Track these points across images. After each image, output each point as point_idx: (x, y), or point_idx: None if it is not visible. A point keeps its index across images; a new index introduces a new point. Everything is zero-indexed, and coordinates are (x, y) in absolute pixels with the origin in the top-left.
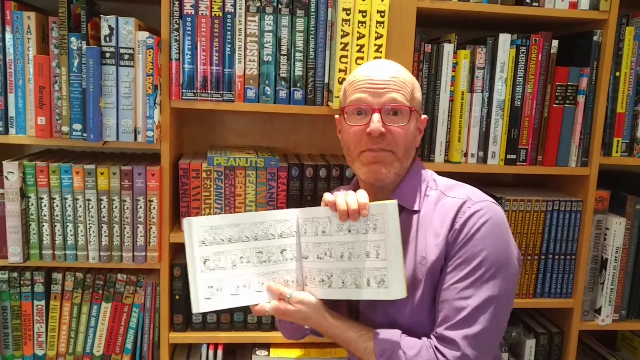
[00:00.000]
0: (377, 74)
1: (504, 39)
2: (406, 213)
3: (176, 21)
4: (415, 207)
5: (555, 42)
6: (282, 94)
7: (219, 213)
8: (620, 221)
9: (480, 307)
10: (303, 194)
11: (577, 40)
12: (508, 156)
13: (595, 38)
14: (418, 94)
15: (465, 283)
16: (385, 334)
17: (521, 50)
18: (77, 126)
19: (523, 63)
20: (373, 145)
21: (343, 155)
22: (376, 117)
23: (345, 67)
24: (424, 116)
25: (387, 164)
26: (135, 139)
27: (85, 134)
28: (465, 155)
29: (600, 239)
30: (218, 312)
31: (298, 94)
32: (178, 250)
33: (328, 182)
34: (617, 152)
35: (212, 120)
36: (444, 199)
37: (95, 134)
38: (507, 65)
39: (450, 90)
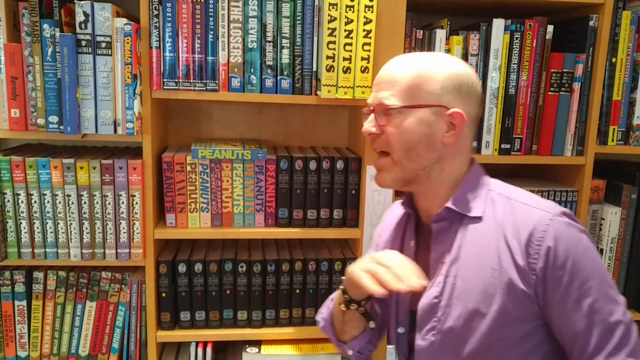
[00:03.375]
0: (381, 71)
1: (498, 24)
2: (466, 221)
3: (155, 7)
4: (477, 213)
5: (550, 28)
6: (269, 82)
7: (206, 208)
8: (616, 211)
9: (617, 322)
10: (293, 187)
11: (573, 26)
12: (502, 146)
13: (591, 23)
14: (430, 87)
15: (590, 307)
16: None
17: (515, 36)
18: (53, 118)
19: (517, 49)
20: (373, 148)
21: (335, 147)
22: (370, 117)
23: (333, 54)
24: (454, 109)
25: (385, 170)
26: (115, 131)
27: (62, 127)
28: None
29: (596, 229)
30: (207, 310)
31: (285, 83)
32: (163, 247)
33: (318, 175)
34: (613, 140)
35: (197, 112)
36: (516, 206)
37: (73, 126)
38: (501, 52)
39: None
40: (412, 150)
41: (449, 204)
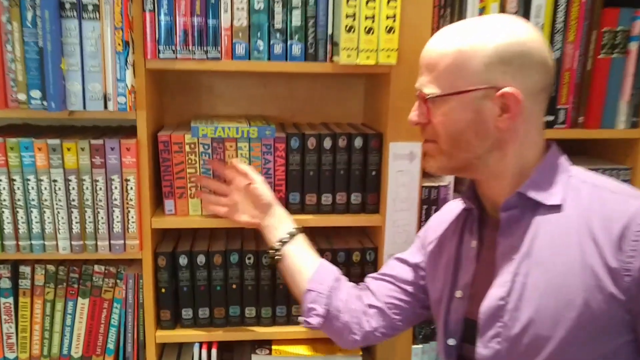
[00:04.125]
0: (423, 50)
1: None
2: (542, 210)
3: None
4: (555, 201)
5: None
6: (278, 48)
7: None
8: None
9: None
10: (305, 169)
11: None
12: (545, 118)
13: None
14: (472, 66)
15: None
16: None
17: None
18: (36, 93)
19: (563, 6)
20: (422, 136)
21: (348, 123)
22: (415, 104)
23: (354, 12)
24: (505, 89)
25: (431, 156)
26: (106, 106)
27: (45, 102)
28: None
29: None
30: (211, 306)
31: (296, 49)
32: (162, 237)
33: (334, 154)
34: None
35: (196, 86)
36: (605, 195)
37: (58, 101)
38: (544, 9)
39: None
40: (460, 140)
41: (521, 189)
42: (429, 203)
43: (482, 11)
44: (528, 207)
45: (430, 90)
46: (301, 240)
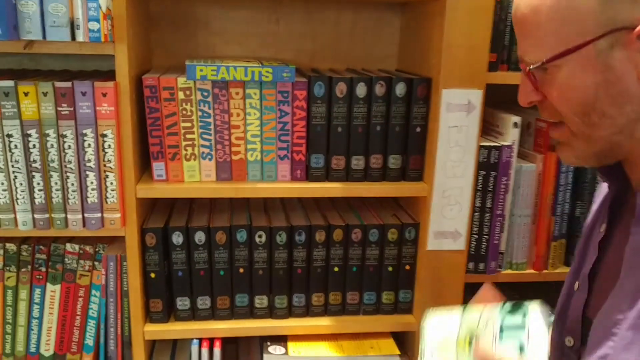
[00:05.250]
0: (513, 5)
1: None
2: None
3: None
4: None
5: None
6: None
7: (209, 154)
8: None
9: None
10: (331, 123)
11: None
12: None
13: None
14: (582, 8)
15: None
16: None
17: None
18: None
19: None
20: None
21: (380, 70)
22: (522, 80)
23: None
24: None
25: (565, 144)
26: (74, 36)
27: None
28: None
29: None
30: (213, 295)
31: None
32: (150, 210)
33: (369, 105)
34: None
35: (191, 20)
36: None
37: (6, 27)
38: None
39: None
40: (591, 114)
41: None
42: (488, 168)
43: None
44: None
45: (533, 57)
46: None
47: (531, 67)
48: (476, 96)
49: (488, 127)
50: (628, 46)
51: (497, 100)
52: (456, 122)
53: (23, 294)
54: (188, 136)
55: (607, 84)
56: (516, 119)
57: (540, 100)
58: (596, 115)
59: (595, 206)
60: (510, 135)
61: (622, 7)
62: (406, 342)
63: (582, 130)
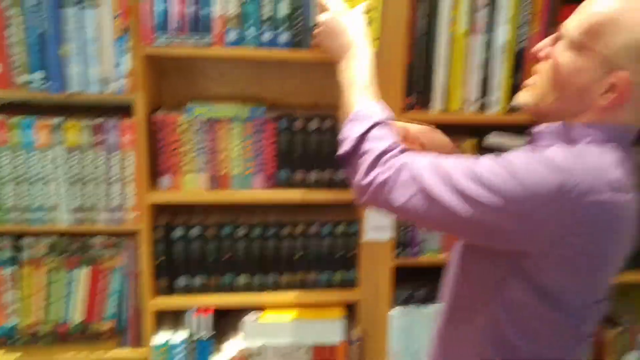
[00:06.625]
0: None
1: None
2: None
3: None
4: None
5: None
6: (267, 36)
7: (201, 170)
8: None
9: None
10: (293, 147)
11: None
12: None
13: None
14: (613, 39)
15: None
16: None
17: None
18: (38, 75)
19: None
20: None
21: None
22: (551, 37)
23: None
24: (622, 75)
25: (530, 87)
26: (104, 89)
27: (47, 84)
28: (465, 103)
29: None
30: (207, 275)
31: (284, 37)
32: (159, 212)
33: (319, 135)
34: None
35: (192, 69)
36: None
37: (58, 83)
38: (511, 3)
39: (449, 32)
40: (565, 88)
41: (536, 129)
42: None
43: (455, 4)
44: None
45: (570, 30)
46: None
47: (563, 34)
48: None
49: None
50: (604, 77)
51: None
52: None
53: (60, 275)
54: (187, 157)
55: (584, 83)
56: None
57: (543, 57)
58: (566, 90)
59: None
60: None
61: (626, 60)
62: (353, 310)
63: (549, 90)
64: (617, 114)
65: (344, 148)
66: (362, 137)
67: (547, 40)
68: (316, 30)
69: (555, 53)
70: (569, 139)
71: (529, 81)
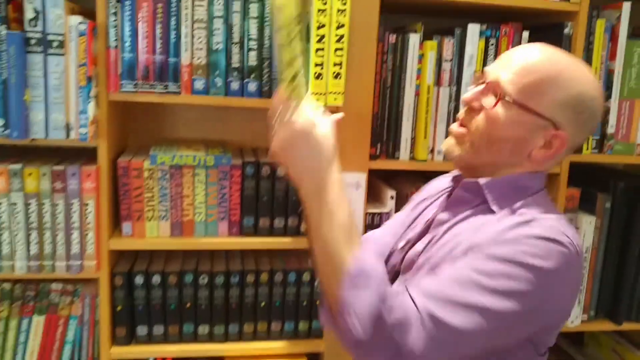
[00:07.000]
0: (517, 51)
1: (473, 29)
2: (483, 208)
3: (114, 5)
4: (495, 209)
5: (525, 34)
6: (234, 85)
7: (164, 216)
8: (591, 220)
9: None
10: (259, 194)
11: (548, 32)
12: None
13: (566, 30)
14: (553, 97)
15: None
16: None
17: (490, 42)
18: None
19: (492, 55)
20: (458, 118)
21: None
22: (479, 88)
23: None
24: (562, 133)
25: (459, 142)
26: (68, 136)
27: (7, 131)
28: (432, 152)
29: None
30: (166, 324)
31: (252, 86)
32: (119, 258)
33: (287, 182)
34: (587, 149)
35: (159, 111)
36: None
37: (20, 130)
38: (476, 58)
39: (416, 84)
40: (495, 144)
41: (483, 181)
42: (373, 228)
43: (421, 57)
44: (477, 199)
45: (509, 89)
46: None
47: (505, 96)
48: (362, 178)
49: (375, 198)
50: (543, 133)
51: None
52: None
53: (13, 323)
54: (150, 203)
55: (520, 140)
56: (392, 192)
57: (476, 107)
58: (496, 146)
59: (431, 193)
60: (388, 204)
61: (564, 116)
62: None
63: (479, 146)
64: (549, 163)
65: (360, 330)
66: (379, 311)
67: (477, 90)
68: (276, 141)
69: (491, 108)
70: (518, 191)
71: (457, 130)
